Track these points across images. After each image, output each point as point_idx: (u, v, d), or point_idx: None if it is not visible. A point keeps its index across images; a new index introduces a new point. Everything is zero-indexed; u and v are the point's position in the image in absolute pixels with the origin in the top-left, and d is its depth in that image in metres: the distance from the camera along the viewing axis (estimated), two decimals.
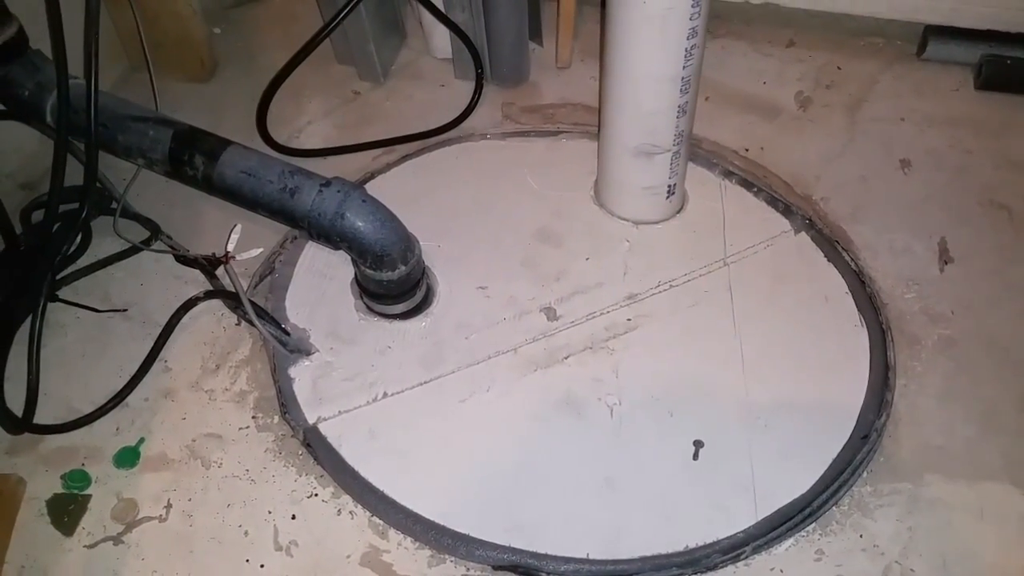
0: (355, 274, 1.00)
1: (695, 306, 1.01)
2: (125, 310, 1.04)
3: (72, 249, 1.07)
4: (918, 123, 1.23)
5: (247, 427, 0.94)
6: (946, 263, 1.06)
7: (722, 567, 0.82)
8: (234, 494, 0.88)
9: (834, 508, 0.85)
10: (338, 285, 1.05)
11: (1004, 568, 0.81)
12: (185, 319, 1.01)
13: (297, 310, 1.02)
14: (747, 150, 1.20)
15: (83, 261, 1.08)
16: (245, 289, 0.99)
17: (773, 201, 1.12)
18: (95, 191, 1.01)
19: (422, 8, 1.25)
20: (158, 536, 0.86)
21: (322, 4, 1.29)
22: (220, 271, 1.04)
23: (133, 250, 1.08)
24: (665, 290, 1.03)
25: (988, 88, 1.26)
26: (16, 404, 0.91)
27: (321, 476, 0.89)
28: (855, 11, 1.34)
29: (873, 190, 1.15)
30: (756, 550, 0.82)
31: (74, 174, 0.95)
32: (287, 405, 0.94)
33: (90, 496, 0.88)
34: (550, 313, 1.01)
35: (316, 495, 0.88)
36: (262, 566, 0.83)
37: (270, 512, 0.87)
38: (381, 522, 0.86)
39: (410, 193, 1.14)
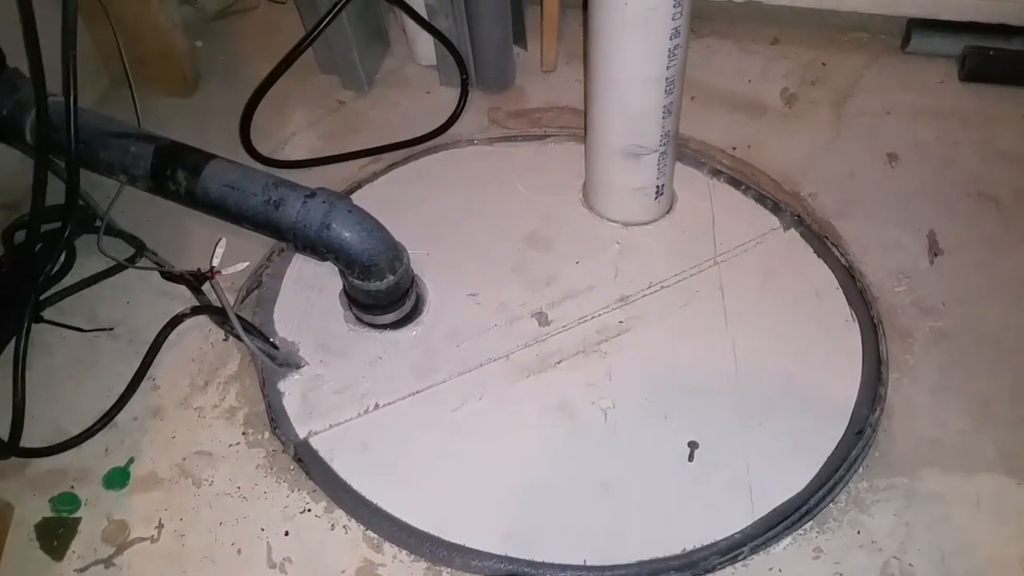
0: (343, 285, 0.99)
1: (686, 306, 1.01)
2: (111, 329, 1.03)
3: (56, 268, 1.06)
4: (904, 116, 1.23)
5: (237, 443, 0.93)
6: (936, 255, 1.06)
7: (720, 569, 0.81)
8: (226, 512, 0.87)
9: (831, 505, 0.85)
10: (327, 297, 1.04)
11: (1002, 560, 0.81)
12: (172, 336, 1.00)
13: (285, 323, 1.01)
14: (734, 148, 1.20)
15: (68, 280, 1.07)
16: (232, 304, 0.99)
17: (762, 199, 1.12)
18: (78, 209, 1.00)
19: (405, 15, 1.24)
20: (150, 557, 0.84)
21: (304, 14, 1.28)
22: (206, 286, 1.03)
23: (118, 268, 1.07)
24: (656, 291, 1.02)
25: (972, 79, 1.27)
26: (2, 427, 0.90)
27: (313, 491, 0.89)
28: (839, 7, 1.34)
29: (861, 185, 1.15)
30: (754, 550, 0.82)
31: (57, 193, 0.95)
32: (277, 420, 0.93)
33: (80, 519, 0.87)
34: (541, 318, 1.00)
35: (309, 510, 0.87)
36: None
37: (263, 529, 0.86)
38: (375, 535, 0.85)
39: (397, 202, 1.13)
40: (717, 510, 0.84)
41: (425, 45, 1.31)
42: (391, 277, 0.91)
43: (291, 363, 0.97)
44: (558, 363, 0.96)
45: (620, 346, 0.97)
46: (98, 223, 1.08)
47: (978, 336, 0.98)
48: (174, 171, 0.90)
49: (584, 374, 0.95)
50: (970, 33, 1.28)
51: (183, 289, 1.05)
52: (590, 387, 0.94)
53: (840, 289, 1.01)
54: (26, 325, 0.93)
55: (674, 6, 0.85)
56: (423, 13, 1.23)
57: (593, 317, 1.00)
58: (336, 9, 1.13)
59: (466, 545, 0.83)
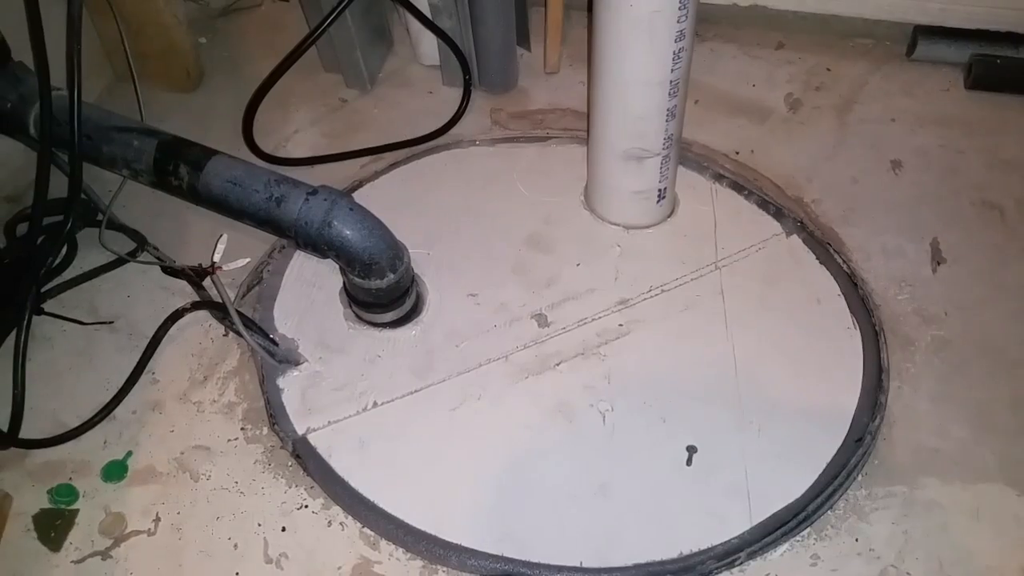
0: (344, 283, 0.99)
1: (687, 311, 1.00)
2: (111, 322, 1.03)
3: (57, 262, 1.06)
4: (909, 124, 1.23)
5: (236, 439, 0.93)
6: (939, 264, 1.06)
7: (717, 573, 0.81)
8: (223, 507, 0.87)
9: (829, 512, 0.84)
10: (327, 294, 1.04)
11: (1000, 570, 0.81)
12: (172, 330, 1.00)
13: (285, 320, 1.01)
14: (737, 153, 1.20)
15: (69, 273, 1.07)
16: (232, 299, 0.98)
17: (764, 204, 1.12)
18: (80, 203, 1.00)
19: (409, 15, 1.24)
20: (147, 550, 0.85)
21: (308, 12, 1.28)
22: (207, 282, 1.03)
23: (119, 262, 1.07)
24: (657, 295, 1.02)
25: (978, 87, 1.26)
26: (2, 418, 0.91)
27: (311, 487, 0.89)
28: (844, 12, 1.34)
29: (864, 191, 1.14)
30: (751, 556, 0.82)
31: (59, 186, 0.95)
32: (276, 416, 0.93)
33: (77, 511, 0.87)
34: (541, 320, 1.00)
35: (306, 507, 0.87)
36: None
37: (260, 524, 0.86)
38: (372, 533, 0.85)
39: (399, 201, 1.13)
40: (715, 515, 0.84)
41: (428, 45, 1.31)
42: (391, 276, 0.91)
43: (290, 360, 0.97)
44: (557, 365, 0.96)
45: (620, 349, 0.97)
46: (100, 217, 1.08)
47: (980, 346, 0.97)
48: (176, 166, 0.90)
49: (583, 376, 0.95)
50: (976, 41, 1.28)
51: (184, 284, 1.06)
52: (589, 389, 0.94)
53: (842, 296, 1.01)
54: (27, 317, 0.93)
55: (679, 8, 0.85)
56: (427, 12, 1.23)
57: (593, 319, 1.00)
58: (340, 8, 1.13)
59: (462, 544, 0.83)
